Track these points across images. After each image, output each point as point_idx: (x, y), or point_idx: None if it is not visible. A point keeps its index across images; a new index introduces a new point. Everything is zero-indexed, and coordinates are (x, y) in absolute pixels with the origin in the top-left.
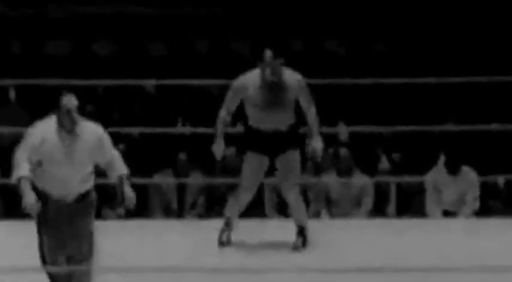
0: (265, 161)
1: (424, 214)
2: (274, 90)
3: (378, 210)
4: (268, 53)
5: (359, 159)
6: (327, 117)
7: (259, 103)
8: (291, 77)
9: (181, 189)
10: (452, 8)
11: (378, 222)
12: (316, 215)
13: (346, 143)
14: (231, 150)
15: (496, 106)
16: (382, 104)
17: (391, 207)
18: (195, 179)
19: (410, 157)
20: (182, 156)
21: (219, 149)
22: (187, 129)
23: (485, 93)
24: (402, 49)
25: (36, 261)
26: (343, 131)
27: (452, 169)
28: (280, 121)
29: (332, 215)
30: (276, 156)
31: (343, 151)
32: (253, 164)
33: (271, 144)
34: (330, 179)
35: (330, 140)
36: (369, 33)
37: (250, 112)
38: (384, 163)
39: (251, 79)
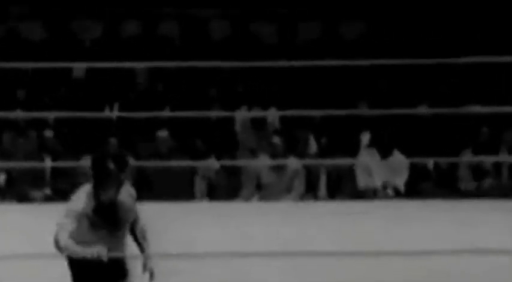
0: None
1: (355, 197)
2: (110, 213)
3: (309, 193)
4: None
5: (289, 143)
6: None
7: (93, 228)
8: (126, 193)
9: None
10: None
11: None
12: (248, 198)
13: (278, 130)
14: (164, 133)
15: (426, 89)
16: (313, 88)
17: (322, 191)
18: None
19: (336, 140)
20: (113, 141)
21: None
22: (116, 114)
23: (418, 75)
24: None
25: None
26: (274, 116)
27: (384, 153)
28: (114, 248)
29: (263, 199)
30: None
31: (276, 139)
32: None
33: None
34: (262, 163)
35: (260, 124)
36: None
37: (83, 236)
38: (313, 147)
39: (85, 199)
